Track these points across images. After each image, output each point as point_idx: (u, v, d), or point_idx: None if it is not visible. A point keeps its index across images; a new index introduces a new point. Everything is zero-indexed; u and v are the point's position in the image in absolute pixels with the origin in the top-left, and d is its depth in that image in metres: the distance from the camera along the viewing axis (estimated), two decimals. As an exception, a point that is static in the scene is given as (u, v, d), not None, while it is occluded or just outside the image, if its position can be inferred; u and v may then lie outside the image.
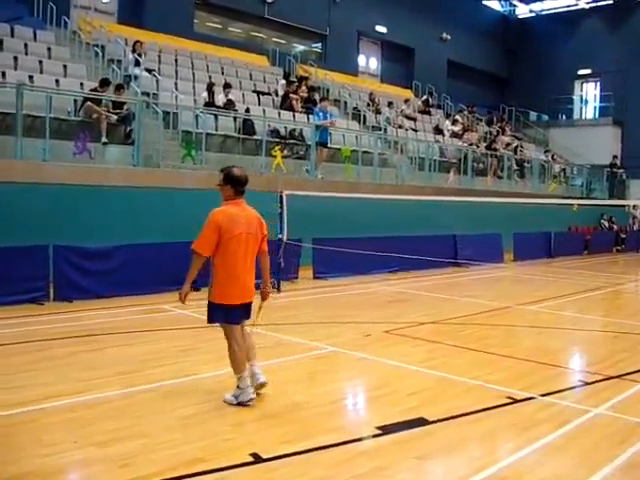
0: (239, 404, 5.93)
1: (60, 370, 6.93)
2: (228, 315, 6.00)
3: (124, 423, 5.43)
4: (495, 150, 25.24)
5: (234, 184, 6.04)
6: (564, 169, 30.12)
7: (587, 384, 7.17)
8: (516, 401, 6.32)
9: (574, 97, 37.22)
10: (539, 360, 7.98)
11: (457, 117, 27.95)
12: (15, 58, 15.03)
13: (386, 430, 5.44)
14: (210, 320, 6.09)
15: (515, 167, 26.07)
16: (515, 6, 38.46)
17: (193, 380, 6.68)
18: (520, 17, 38.84)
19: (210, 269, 6.09)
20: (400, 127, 23.34)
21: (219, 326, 6.13)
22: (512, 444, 5.31)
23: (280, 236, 12.46)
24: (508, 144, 27.31)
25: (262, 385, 6.22)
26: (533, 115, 36.58)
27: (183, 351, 7.96)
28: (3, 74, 13.82)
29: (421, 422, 5.66)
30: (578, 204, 23.68)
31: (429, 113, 27.66)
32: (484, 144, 26.06)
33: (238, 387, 5.99)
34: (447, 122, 26.78)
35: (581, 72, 36.38)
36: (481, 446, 5.32)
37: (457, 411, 5.95)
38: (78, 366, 7.11)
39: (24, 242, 10.33)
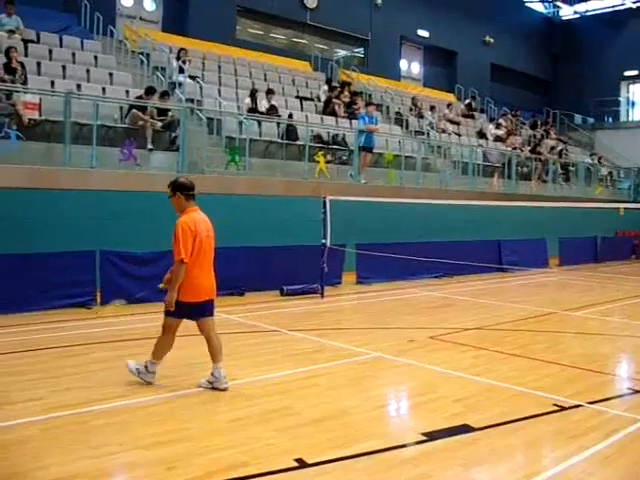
0: (140, 377, 6.60)
1: (106, 373, 7.03)
2: (188, 311, 6.49)
3: (169, 427, 5.50)
4: (539, 154, 24.94)
5: (183, 190, 6.54)
6: (610, 172, 29.57)
7: (636, 392, 7.04)
8: (563, 409, 6.23)
9: (620, 99, 36.52)
10: (586, 367, 7.86)
11: (501, 121, 27.67)
12: (63, 67, 15.32)
13: (431, 437, 5.40)
14: (174, 315, 6.50)
15: (560, 171, 25.71)
16: (559, 8, 37.94)
17: (236, 385, 6.71)
18: (564, 19, 38.29)
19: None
20: (443, 131, 23.19)
21: (167, 320, 6.59)
22: (559, 452, 5.24)
23: (324, 241, 12.49)
24: (553, 148, 26.97)
25: (224, 390, 6.55)
26: (578, 118, 36.04)
27: (227, 355, 7.90)
28: (52, 83, 14.10)
29: (466, 429, 5.61)
30: (625, 208, 23.25)
31: (472, 117, 27.46)
32: (528, 148, 25.77)
33: (146, 368, 6.62)
34: (491, 126, 26.54)
35: (628, 73, 35.69)
36: (527, 454, 5.26)
37: (503, 418, 5.89)
38: (124, 370, 7.20)
39: (72, 247, 10.54)
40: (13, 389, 6.36)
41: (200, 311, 6.60)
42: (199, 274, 6.48)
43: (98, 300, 10.81)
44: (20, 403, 5.95)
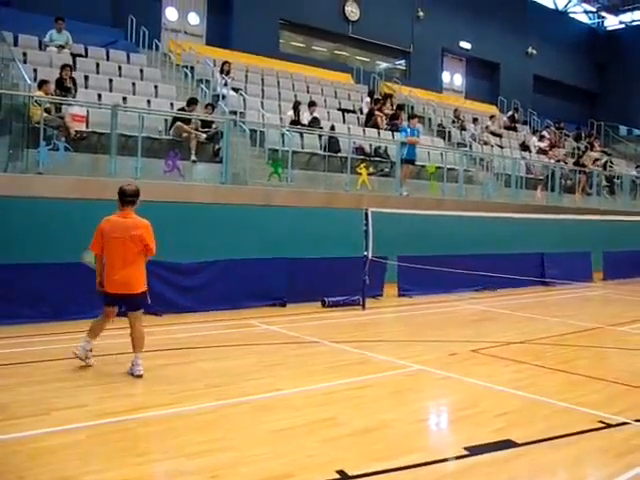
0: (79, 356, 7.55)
1: (151, 382, 7.13)
2: (106, 300, 7.59)
3: (214, 436, 5.56)
4: (583, 166, 24.63)
5: (118, 196, 7.54)
6: (657, 185, 29.06)
7: (684, 410, 6.89)
8: (609, 426, 6.13)
9: (667, 110, 35.98)
10: (633, 384, 7.73)
11: (544, 133, 27.43)
12: (110, 80, 15.63)
13: (473, 451, 5.37)
14: (103, 301, 7.70)
15: (605, 183, 25.33)
16: (604, 18, 37.53)
17: (280, 395, 6.77)
18: (609, 29, 37.88)
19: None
20: (485, 143, 23.07)
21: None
22: (605, 471, 5.17)
23: (365, 253, 12.50)
24: (597, 160, 26.61)
25: (138, 377, 7.29)
26: (623, 129, 35.48)
27: (270, 366, 8.07)
28: (99, 96, 14.38)
29: (509, 444, 5.56)
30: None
31: (515, 129, 27.26)
32: (572, 160, 25.48)
33: (84, 347, 7.60)
34: (534, 138, 26.31)
35: (675, 83, 35.16)
36: (571, 471, 5.21)
37: (546, 434, 5.82)
38: (168, 378, 7.31)
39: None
40: (61, 395, 6.49)
41: (112, 301, 7.60)
42: (107, 268, 7.43)
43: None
44: (68, 409, 6.06)
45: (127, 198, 7.49)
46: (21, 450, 5.10)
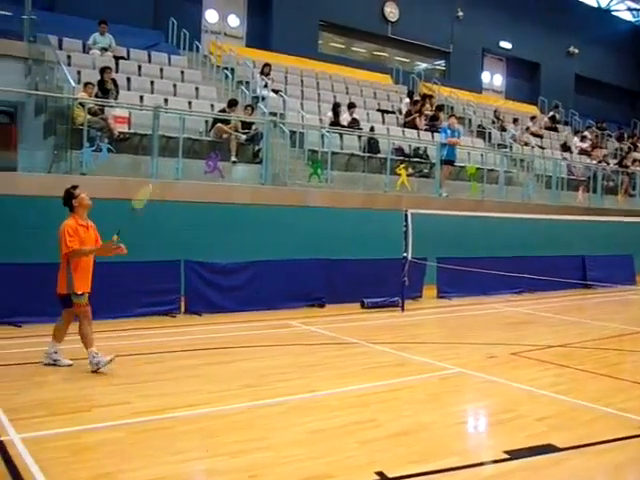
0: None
1: (190, 381, 7.19)
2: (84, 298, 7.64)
3: (252, 435, 5.57)
4: (626, 167, 24.21)
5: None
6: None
7: None
8: (652, 432, 6.03)
9: None
10: (677, 389, 7.59)
11: (586, 133, 27.02)
12: (152, 82, 15.81)
13: (514, 455, 5.30)
14: None
15: (648, 184, 24.89)
16: (648, 16, 36.89)
17: (317, 396, 6.77)
18: (654, 27, 37.23)
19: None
20: (526, 144, 22.81)
21: None
22: (648, 477, 5.08)
23: (405, 254, 12.46)
24: (640, 160, 26.14)
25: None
26: (667, 130, 34.87)
27: (307, 367, 8.08)
28: (141, 98, 14.56)
29: (549, 449, 5.47)
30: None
31: (556, 130, 26.91)
32: (614, 161, 25.06)
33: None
34: (575, 139, 25.94)
35: None
36: (613, 479, 5.11)
37: (588, 439, 5.72)
38: (207, 378, 7.37)
39: (158, 257, 10.83)
40: (100, 392, 6.60)
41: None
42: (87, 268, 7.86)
43: (182, 309, 11.08)
44: (108, 406, 6.15)
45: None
46: (62, 446, 5.18)
